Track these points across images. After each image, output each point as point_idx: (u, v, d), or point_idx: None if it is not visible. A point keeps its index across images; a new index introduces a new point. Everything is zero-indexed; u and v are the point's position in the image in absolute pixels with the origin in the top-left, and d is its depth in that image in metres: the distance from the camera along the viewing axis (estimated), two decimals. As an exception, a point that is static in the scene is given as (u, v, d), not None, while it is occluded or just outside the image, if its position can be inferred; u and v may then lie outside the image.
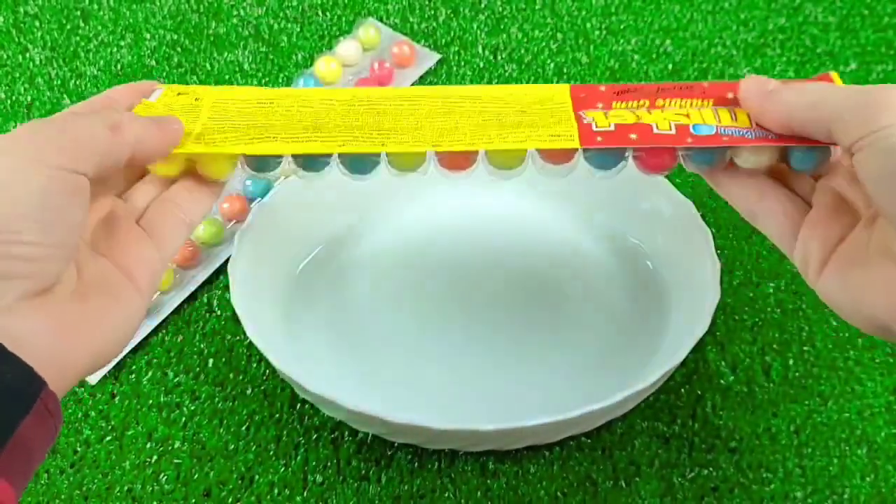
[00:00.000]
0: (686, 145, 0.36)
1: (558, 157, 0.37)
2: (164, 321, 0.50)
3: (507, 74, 0.63)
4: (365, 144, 0.37)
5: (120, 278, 0.33)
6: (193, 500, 0.44)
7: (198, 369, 0.49)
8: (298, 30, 0.67)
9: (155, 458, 0.45)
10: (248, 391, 0.48)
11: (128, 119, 0.32)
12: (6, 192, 0.27)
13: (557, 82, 0.63)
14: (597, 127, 0.37)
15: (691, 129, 0.36)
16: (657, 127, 0.36)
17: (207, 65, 0.64)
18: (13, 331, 0.28)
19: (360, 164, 0.37)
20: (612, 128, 0.36)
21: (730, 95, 0.37)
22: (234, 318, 0.51)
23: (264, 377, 0.48)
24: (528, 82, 0.63)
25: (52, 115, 0.33)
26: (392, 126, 0.37)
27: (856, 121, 0.31)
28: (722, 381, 0.48)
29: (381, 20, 0.67)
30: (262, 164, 0.37)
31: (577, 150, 0.36)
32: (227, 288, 0.52)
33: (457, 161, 0.37)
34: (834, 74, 0.37)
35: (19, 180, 0.27)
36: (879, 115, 0.30)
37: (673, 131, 0.36)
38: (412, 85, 0.63)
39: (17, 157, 0.28)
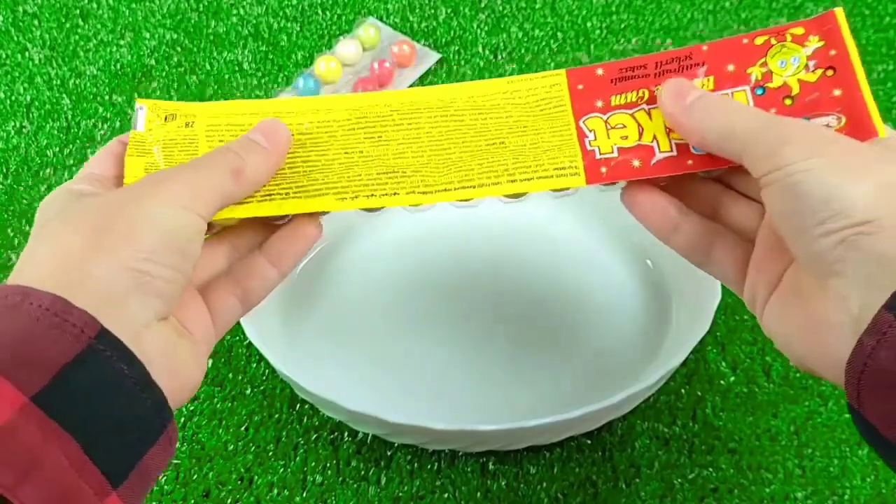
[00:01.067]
0: (686, 170, 0.35)
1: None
2: (163, 321, 0.50)
3: (507, 74, 0.63)
4: (377, 196, 0.36)
5: (190, 336, 0.33)
6: (193, 501, 0.44)
7: (197, 369, 0.49)
8: (298, 29, 0.67)
9: (154, 458, 0.45)
10: (248, 391, 0.48)
11: (249, 163, 0.34)
12: (159, 226, 0.30)
13: (558, 82, 0.63)
14: (600, 154, 0.36)
15: (692, 149, 0.35)
16: (658, 148, 0.36)
17: (207, 64, 0.64)
18: (148, 351, 0.29)
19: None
20: (615, 153, 0.36)
21: (729, 69, 0.36)
22: (234, 318, 0.50)
23: (264, 377, 0.48)
24: (528, 82, 0.63)
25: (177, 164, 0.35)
26: (397, 164, 0.36)
27: (761, 154, 0.30)
28: (722, 382, 0.48)
29: (381, 19, 0.67)
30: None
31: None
32: (226, 288, 0.52)
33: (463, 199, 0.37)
34: (839, 11, 0.35)
35: (168, 217, 0.31)
36: (783, 149, 0.30)
37: (674, 152, 0.36)
38: (412, 85, 0.63)
39: (164, 200, 0.31)
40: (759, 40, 0.36)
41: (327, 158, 0.36)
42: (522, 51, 0.65)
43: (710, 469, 0.45)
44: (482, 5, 0.68)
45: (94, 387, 0.26)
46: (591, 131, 0.36)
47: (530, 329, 0.49)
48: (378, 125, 0.37)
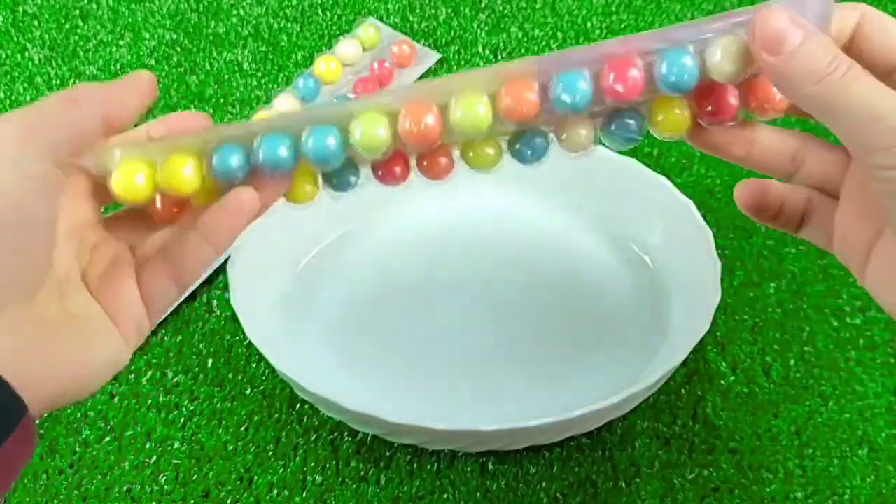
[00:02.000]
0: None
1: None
2: (163, 321, 0.50)
3: (507, 74, 0.63)
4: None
5: (104, 321, 0.32)
6: (192, 501, 0.44)
7: (197, 369, 0.49)
8: (298, 29, 0.67)
9: (154, 458, 0.45)
10: (248, 391, 0.48)
11: (84, 88, 0.30)
12: None
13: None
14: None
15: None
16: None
17: (207, 64, 0.64)
18: None
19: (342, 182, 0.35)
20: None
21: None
22: (234, 318, 0.50)
23: (263, 377, 0.48)
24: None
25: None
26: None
27: (878, 146, 0.27)
28: (722, 382, 0.48)
29: (381, 19, 0.67)
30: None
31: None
32: (226, 288, 0.51)
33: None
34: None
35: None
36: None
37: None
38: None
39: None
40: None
41: None
42: (522, 51, 0.65)
43: (711, 469, 0.45)
44: (482, 5, 0.68)
45: None
46: None
47: (530, 329, 0.49)
48: None
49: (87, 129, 0.30)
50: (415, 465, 0.45)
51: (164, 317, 0.50)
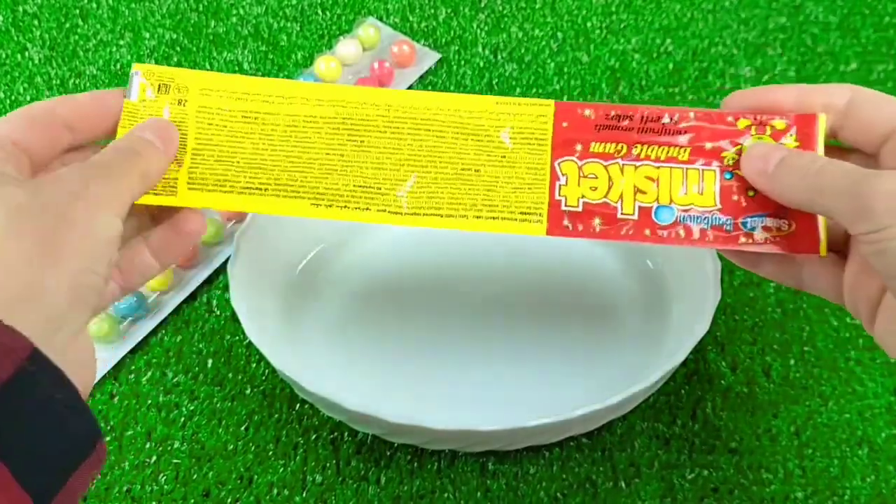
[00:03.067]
0: (643, 240, 0.36)
1: None
2: (163, 321, 0.50)
3: (507, 74, 0.63)
4: (350, 209, 0.37)
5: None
6: (192, 501, 0.44)
7: (197, 369, 0.49)
8: (298, 29, 0.67)
9: (154, 458, 0.45)
10: (248, 391, 0.48)
11: (151, 164, 0.35)
12: (101, 236, 0.31)
13: (558, 82, 0.63)
14: (566, 205, 0.37)
15: (653, 215, 0.37)
16: (622, 209, 0.37)
17: (207, 64, 0.64)
18: (71, 361, 0.28)
19: None
20: (580, 207, 0.37)
21: (707, 146, 0.37)
22: (234, 318, 0.50)
23: (263, 377, 0.48)
24: (528, 82, 0.63)
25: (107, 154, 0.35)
26: (375, 175, 0.37)
27: (851, 217, 0.31)
28: (722, 382, 0.48)
29: (380, 19, 0.67)
30: None
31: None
32: (226, 288, 0.52)
33: None
34: (822, 118, 0.36)
35: (108, 225, 0.31)
36: (870, 212, 0.30)
37: (635, 216, 0.37)
38: (412, 85, 0.63)
39: (104, 206, 0.31)
40: (742, 124, 0.37)
41: (309, 157, 0.38)
42: (522, 51, 0.65)
43: (711, 469, 0.45)
44: (482, 5, 0.68)
45: (24, 411, 0.26)
46: (563, 175, 0.37)
47: (530, 329, 0.49)
48: (362, 128, 0.38)
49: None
50: (415, 465, 0.45)
51: (164, 316, 0.50)
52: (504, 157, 0.38)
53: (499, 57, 0.65)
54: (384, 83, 0.62)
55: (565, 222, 0.37)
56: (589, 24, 0.66)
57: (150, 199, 0.36)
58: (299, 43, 0.66)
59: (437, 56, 0.64)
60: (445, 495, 0.44)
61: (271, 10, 0.68)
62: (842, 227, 0.33)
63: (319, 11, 0.68)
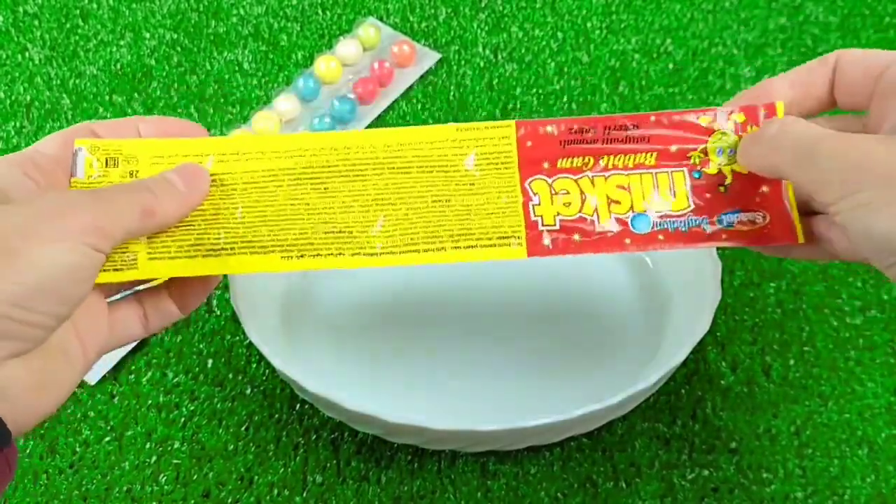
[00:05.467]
0: (624, 250, 0.37)
1: None
2: (163, 321, 0.50)
3: (507, 74, 0.63)
4: (323, 257, 0.36)
5: (74, 340, 0.32)
6: (192, 501, 0.44)
7: (197, 369, 0.49)
8: (298, 29, 0.67)
9: (154, 458, 0.45)
10: (248, 391, 0.48)
11: (163, 205, 0.33)
12: (43, 269, 0.28)
13: (558, 82, 0.63)
14: (543, 224, 0.37)
15: (630, 226, 0.37)
16: (599, 221, 0.37)
17: (207, 64, 0.64)
18: None
19: None
20: (557, 226, 0.37)
21: (672, 149, 0.37)
22: (234, 318, 0.50)
23: (264, 377, 0.48)
24: (528, 82, 0.63)
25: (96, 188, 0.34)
26: (344, 220, 0.37)
27: (833, 189, 0.30)
28: (722, 382, 0.48)
29: (381, 19, 0.67)
30: None
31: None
32: (226, 288, 0.52)
33: None
34: (779, 105, 0.36)
35: (58, 256, 0.29)
36: (859, 181, 0.29)
37: (613, 229, 0.37)
38: (412, 85, 0.63)
39: (62, 233, 0.29)
40: (705, 120, 0.37)
41: (273, 210, 0.37)
42: (522, 51, 0.65)
43: (711, 469, 0.45)
44: (482, 5, 0.68)
45: None
46: (535, 194, 0.37)
47: (530, 329, 0.49)
48: (324, 174, 0.37)
49: (136, 237, 0.34)
50: (415, 465, 0.45)
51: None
52: (472, 184, 0.37)
53: (499, 57, 0.65)
54: (384, 83, 0.62)
55: (545, 241, 0.37)
56: (589, 24, 0.66)
57: (109, 277, 0.35)
58: (299, 43, 0.66)
59: (437, 56, 0.64)
60: (446, 495, 0.44)
61: (272, 10, 0.68)
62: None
63: (320, 11, 0.68)
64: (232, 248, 0.36)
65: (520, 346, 0.48)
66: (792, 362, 0.49)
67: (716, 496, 0.44)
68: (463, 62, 0.64)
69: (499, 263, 0.51)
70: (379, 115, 0.61)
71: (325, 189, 0.37)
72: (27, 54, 0.65)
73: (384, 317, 0.50)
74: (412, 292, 0.51)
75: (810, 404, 0.47)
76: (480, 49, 0.65)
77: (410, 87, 0.63)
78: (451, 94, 0.62)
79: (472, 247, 0.37)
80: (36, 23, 0.67)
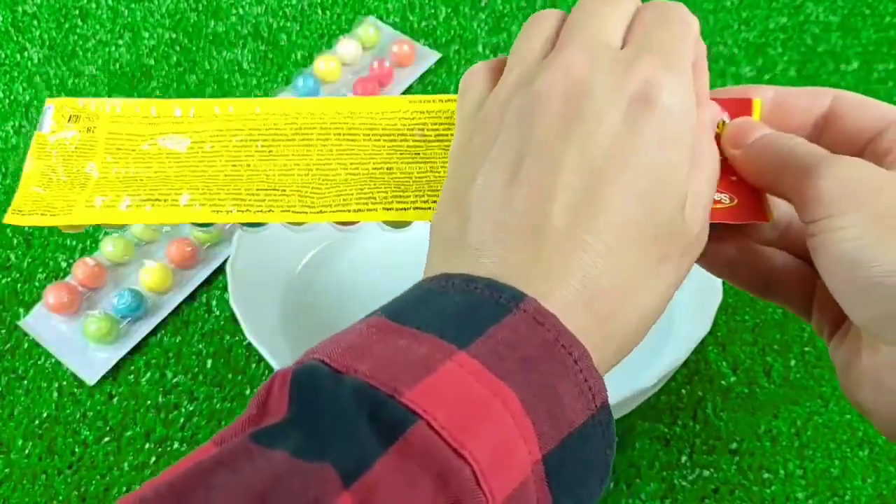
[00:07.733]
0: None
1: None
2: (162, 321, 0.50)
3: (507, 73, 0.63)
4: (251, 212, 0.36)
5: None
6: (192, 502, 0.44)
7: (196, 370, 0.49)
8: (298, 28, 0.66)
9: (153, 458, 0.45)
10: (247, 392, 0.48)
11: None
12: None
13: (558, 81, 0.63)
14: None
15: None
16: None
17: (206, 63, 0.64)
18: None
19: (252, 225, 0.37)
20: None
21: None
22: (233, 319, 0.50)
23: (263, 378, 0.48)
24: (528, 81, 0.63)
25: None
26: (280, 181, 0.36)
27: (802, 200, 0.28)
28: (723, 382, 0.48)
29: (380, 19, 0.67)
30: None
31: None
32: (225, 288, 0.51)
33: (346, 222, 0.37)
34: (757, 102, 0.35)
35: None
36: (823, 202, 0.27)
37: None
38: (412, 84, 0.63)
39: None
40: None
41: (214, 170, 0.36)
42: (522, 50, 0.65)
43: (711, 469, 0.45)
44: (482, 5, 0.68)
45: (583, 461, 0.25)
46: None
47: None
48: (271, 138, 0.37)
49: None
50: (415, 466, 0.45)
51: (164, 317, 0.50)
52: (417, 153, 0.37)
53: (499, 56, 0.65)
54: (384, 83, 0.62)
55: None
56: (589, 24, 0.66)
57: (46, 221, 0.34)
58: (299, 42, 0.65)
59: (437, 55, 0.64)
60: (445, 496, 0.44)
61: (271, 9, 0.68)
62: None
63: (319, 11, 0.68)
64: (166, 199, 0.36)
65: (520, 346, 0.48)
66: (793, 363, 0.48)
67: (716, 497, 0.44)
68: (463, 62, 0.64)
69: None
70: (379, 115, 0.61)
71: (269, 152, 0.37)
72: (26, 54, 0.65)
73: (384, 317, 0.50)
74: (412, 292, 0.51)
75: (811, 405, 0.47)
76: (480, 49, 0.65)
77: (410, 87, 0.63)
78: (451, 93, 0.62)
79: (404, 209, 0.36)
80: (35, 22, 0.67)
